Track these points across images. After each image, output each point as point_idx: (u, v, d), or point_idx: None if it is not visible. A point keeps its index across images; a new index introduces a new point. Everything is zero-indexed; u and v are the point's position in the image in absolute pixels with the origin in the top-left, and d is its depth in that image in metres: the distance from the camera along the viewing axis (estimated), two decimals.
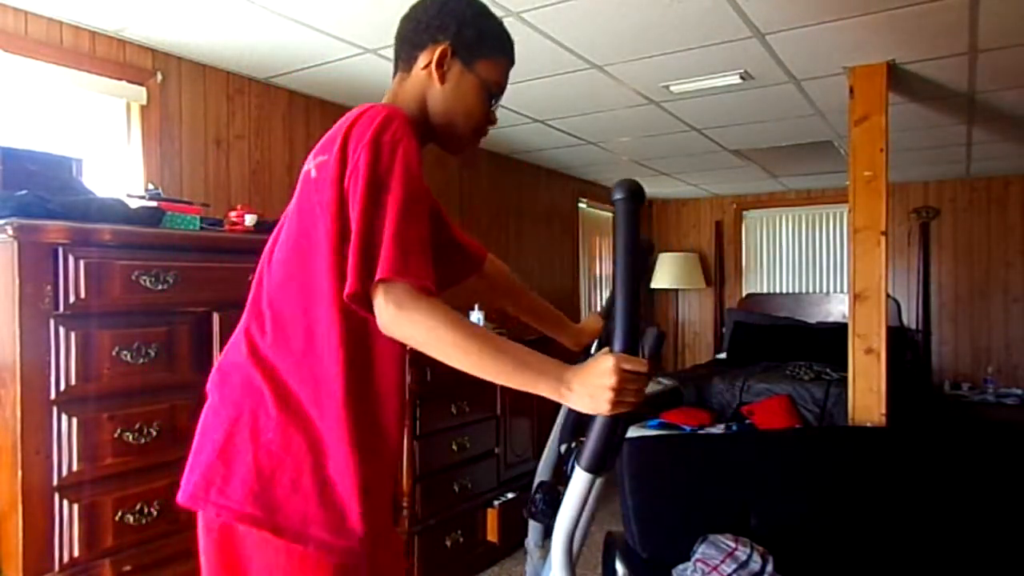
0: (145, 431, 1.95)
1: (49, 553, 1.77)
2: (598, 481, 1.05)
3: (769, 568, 1.88)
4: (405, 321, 0.98)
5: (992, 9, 2.38)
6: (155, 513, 1.96)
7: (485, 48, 1.22)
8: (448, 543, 3.03)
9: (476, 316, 3.59)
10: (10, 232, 1.69)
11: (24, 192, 1.80)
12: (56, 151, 2.14)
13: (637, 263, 0.98)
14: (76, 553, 1.81)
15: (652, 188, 6.23)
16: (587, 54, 2.84)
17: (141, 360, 1.95)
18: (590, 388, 0.94)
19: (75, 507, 1.81)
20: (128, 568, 1.92)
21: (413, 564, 2.85)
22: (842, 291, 5.98)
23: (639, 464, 2.19)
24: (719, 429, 4.08)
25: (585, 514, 1.10)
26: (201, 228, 2.22)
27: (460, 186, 4.36)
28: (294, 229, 1.13)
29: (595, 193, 5.86)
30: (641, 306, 1.01)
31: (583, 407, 0.96)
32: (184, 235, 2.13)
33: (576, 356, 1.46)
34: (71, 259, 1.80)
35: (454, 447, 3.10)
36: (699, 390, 4.59)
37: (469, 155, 4.22)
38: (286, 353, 1.10)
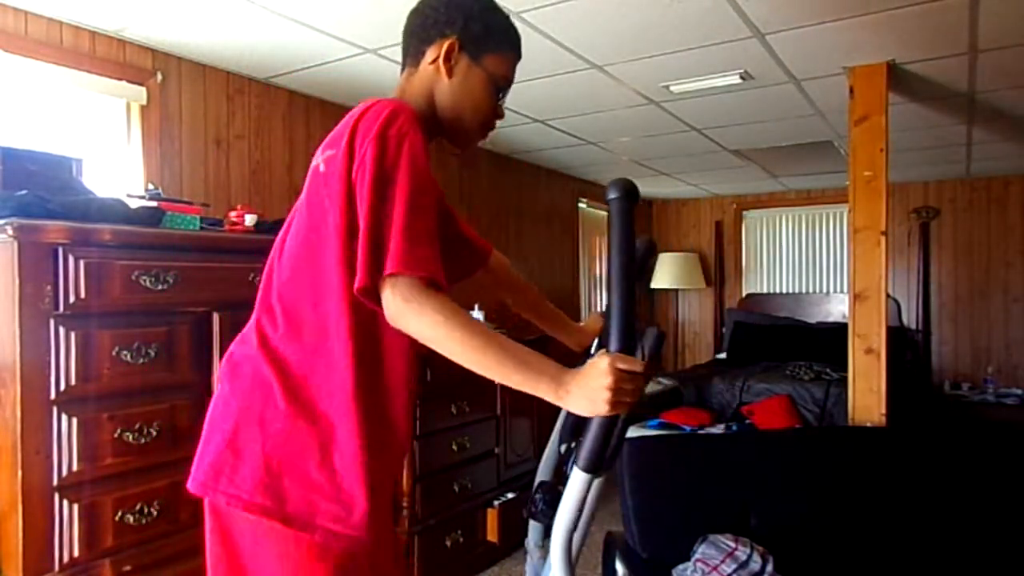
0: (145, 431, 1.95)
1: (49, 553, 1.77)
2: (597, 481, 1.05)
3: (769, 568, 1.88)
4: (411, 315, 0.99)
5: (992, 9, 2.38)
6: (155, 513, 1.96)
7: (492, 42, 1.23)
8: (448, 543, 3.03)
9: (476, 315, 3.58)
10: (10, 232, 1.69)
11: (24, 192, 1.80)
12: (56, 151, 2.14)
13: (632, 263, 0.98)
14: (76, 553, 1.81)
15: (652, 188, 6.23)
16: (587, 54, 2.84)
17: (141, 360, 1.95)
18: (587, 390, 0.95)
19: (75, 507, 1.81)
20: (128, 568, 1.92)
21: (413, 564, 2.85)
22: (842, 291, 5.98)
23: (639, 464, 2.19)
24: (719, 429, 4.08)
25: (585, 514, 1.10)
26: (201, 228, 2.22)
27: (460, 186, 4.36)
28: (303, 223, 1.14)
29: (595, 193, 5.85)
30: (637, 305, 1.00)
31: (581, 409, 0.97)
32: (184, 235, 2.13)
33: (577, 357, 1.46)
34: (71, 259, 1.80)
35: (454, 447, 3.10)
36: (699, 390, 4.59)
37: (469, 155, 4.22)
38: (296, 346, 1.11)
